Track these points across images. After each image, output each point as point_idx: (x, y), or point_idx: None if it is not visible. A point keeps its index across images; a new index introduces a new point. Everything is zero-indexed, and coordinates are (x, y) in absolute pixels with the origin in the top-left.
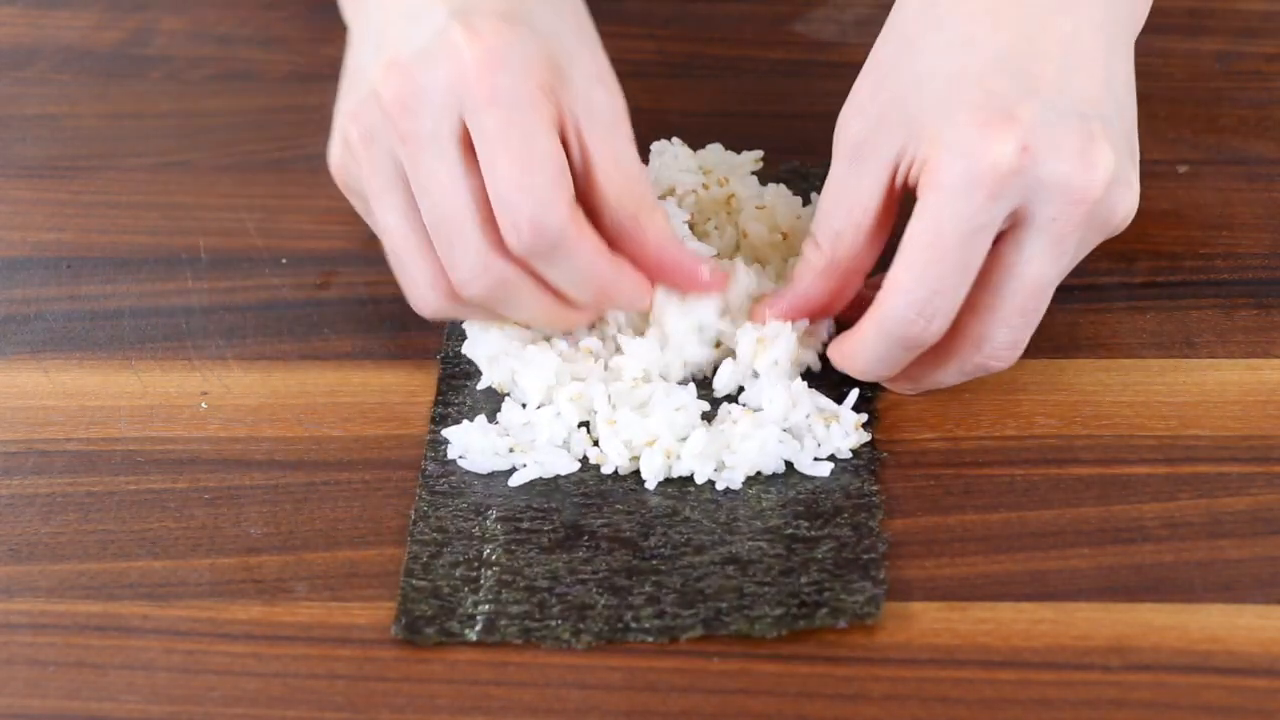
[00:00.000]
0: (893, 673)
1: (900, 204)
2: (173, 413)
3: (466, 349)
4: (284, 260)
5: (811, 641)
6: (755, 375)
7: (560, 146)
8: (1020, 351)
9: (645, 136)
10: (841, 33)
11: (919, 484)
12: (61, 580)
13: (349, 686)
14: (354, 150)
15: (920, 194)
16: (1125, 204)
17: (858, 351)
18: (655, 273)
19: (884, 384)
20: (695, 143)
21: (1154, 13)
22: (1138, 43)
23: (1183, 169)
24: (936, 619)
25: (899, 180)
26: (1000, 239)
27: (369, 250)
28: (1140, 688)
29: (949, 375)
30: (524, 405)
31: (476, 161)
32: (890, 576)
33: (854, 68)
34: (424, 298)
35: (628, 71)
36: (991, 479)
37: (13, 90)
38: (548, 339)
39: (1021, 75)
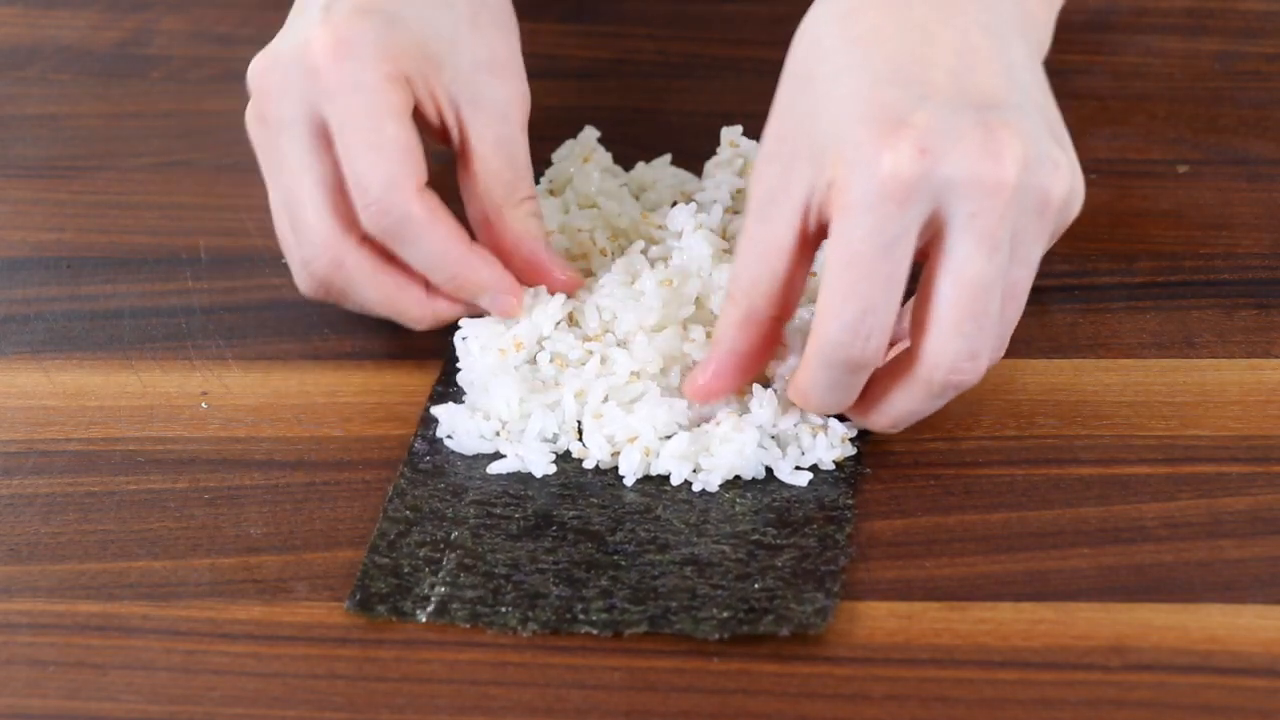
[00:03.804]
0: (893, 673)
1: (816, 248)
2: (173, 413)
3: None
4: (284, 260)
5: (813, 642)
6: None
7: (411, 131)
8: (984, 362)
9: (646, 136)
10: None
11: (919, 484)
12: (61, 580)
13: (349, 686)
14: (247, 125)
15: (832, 219)
16: (1059, 185)
17: (805, 384)
18: (515, 269)
19: (868, 426)
20: (696, 143)
21: (1154, 13)
22: (1137, 43)
23: (1183, 169)
24: (936, 619)
25: (811, 221)
26: (931, 249)
27: None
28: (1140, 688)
29: (919, 401)
30: (497, 433)
31: (329, 148)
32: (891, 577)
33: None
34: (295, 275)
35: (628, 72)
36: (991, 479)
37: (13, 90)
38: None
39: (912, 84)
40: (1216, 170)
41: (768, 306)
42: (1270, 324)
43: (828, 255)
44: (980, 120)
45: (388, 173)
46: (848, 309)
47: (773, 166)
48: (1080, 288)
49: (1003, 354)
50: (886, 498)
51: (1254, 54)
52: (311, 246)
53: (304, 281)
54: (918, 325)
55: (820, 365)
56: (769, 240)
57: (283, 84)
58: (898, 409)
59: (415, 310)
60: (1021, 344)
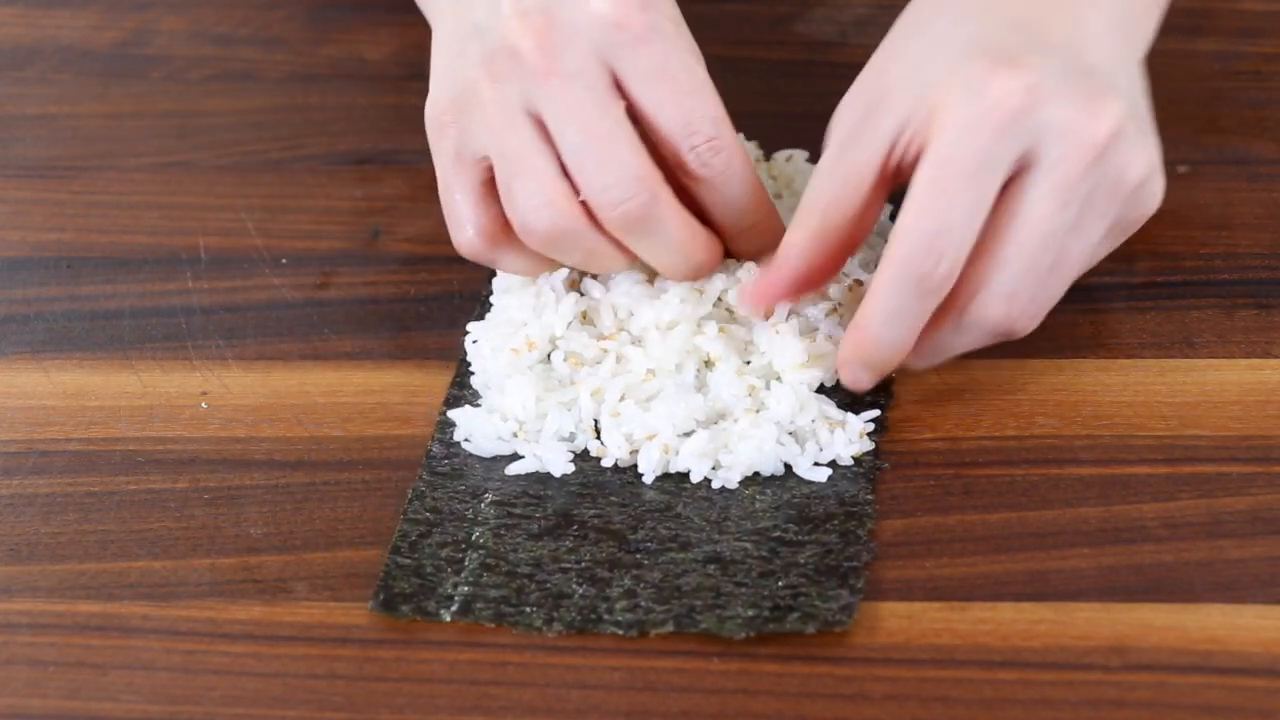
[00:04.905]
0: (893, 673)
1: (892, 188)
2: (173, 413)
3: (475, 382)
4: (284, 260)
5: (813, 642)
6: (778, 379)
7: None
8: (1035, 315)
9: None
10: (841, 33)
11: (919, 484)
12: (61, 580)
13: (349, 686)
14: (478, 92)
15: (929, 142)
16: (1138, 166)
17: (870, 312)
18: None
19: (903, 363)
20: None
21: None
22: None
23: (1183, 169)
24: (936, 619)
25: (896, 156)
26: (1009, 187)
27: (369, 250)
28: (1140, 688)
29: (967, 335)
30: (514, 433)
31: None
32: (891, 577)
33: (854, 68)
34: (540, 216)
35: None
36: (991, 479)
37: (13, 90)
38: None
39: (1033, 36)
40: (1216, 170)
41: (838, 229)
42: (1270, 324)
43: (916, 175)
44: (1090, 83)
45: (715, 106)
46: (926, 223)
47: (865, 98)
48: (1080, 288)
49: (1037, 322)
50: (886, 498)
51: (1253, 54)
52: (624, 180)
53: (557, 219)
54: (979, 252)
55: (888, 286)
56: (852, 166)
57: (572, 35)
58: (944, 341)
59: (708, 253)
60: (1021, 344)
